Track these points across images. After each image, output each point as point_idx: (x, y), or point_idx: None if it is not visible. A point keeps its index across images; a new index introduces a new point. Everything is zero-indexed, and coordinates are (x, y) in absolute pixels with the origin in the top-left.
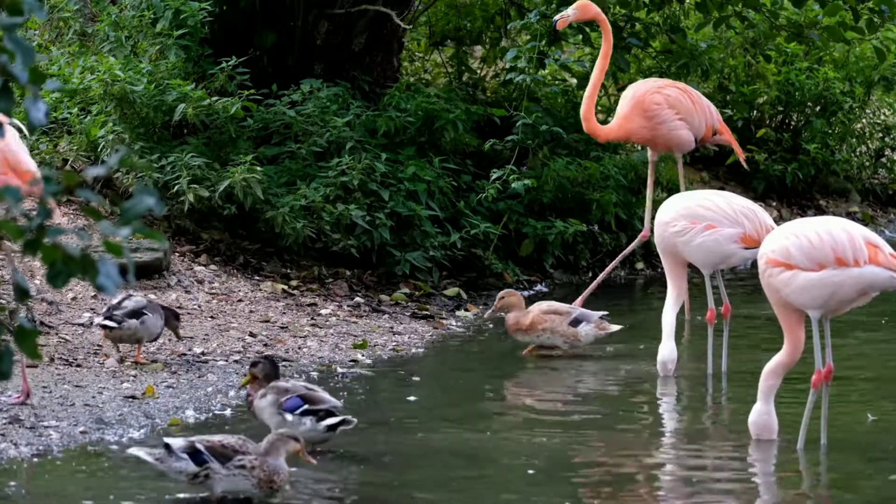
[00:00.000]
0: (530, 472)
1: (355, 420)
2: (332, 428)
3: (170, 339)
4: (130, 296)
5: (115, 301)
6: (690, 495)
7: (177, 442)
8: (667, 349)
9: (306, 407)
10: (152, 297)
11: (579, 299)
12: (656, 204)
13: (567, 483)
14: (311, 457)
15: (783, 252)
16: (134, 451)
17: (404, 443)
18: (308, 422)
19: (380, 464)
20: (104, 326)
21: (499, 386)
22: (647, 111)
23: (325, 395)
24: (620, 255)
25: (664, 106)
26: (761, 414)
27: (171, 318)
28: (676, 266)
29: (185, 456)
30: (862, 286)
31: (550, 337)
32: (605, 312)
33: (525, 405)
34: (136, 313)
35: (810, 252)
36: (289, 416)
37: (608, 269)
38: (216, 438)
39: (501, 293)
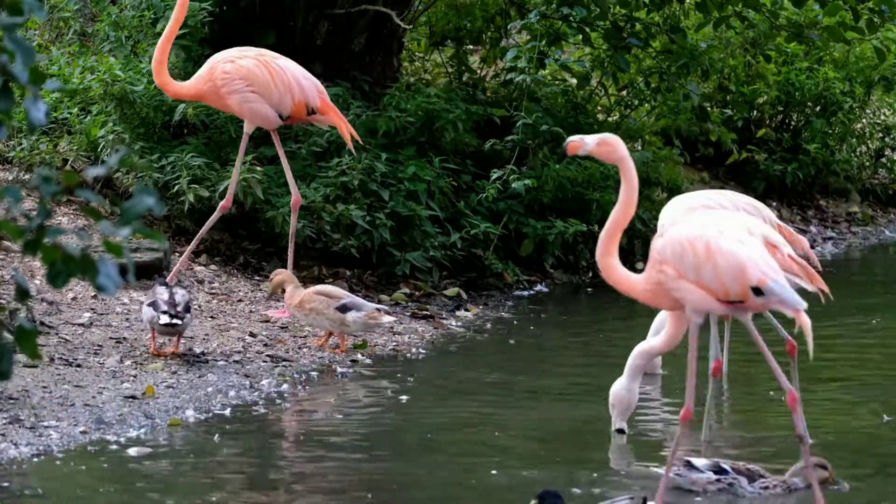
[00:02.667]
0: (530, 472)
1: None
2: None
3: (169, 340)
4: (174, 290)
5: (164, 297)
6: (690, 495)
7: (700, 461)
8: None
9: None
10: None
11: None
12: (659, 204)
13: (566, 483)
14: None
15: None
16: (653, 467)
17: (404, 443)
18: None
19: (380, 463)
20: (172, 325)
21: (499, 386)
22: (216, 79)
23: None
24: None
25: (233, 76)
26: (622, 388)
27: None
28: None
29: (707, 470)
30: None
31: (316, 318)
32: (384, 306)
33: (525, 405)
34: (188, 307)
35: None
36: None
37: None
38: (740, 463)
39: (273, 273)
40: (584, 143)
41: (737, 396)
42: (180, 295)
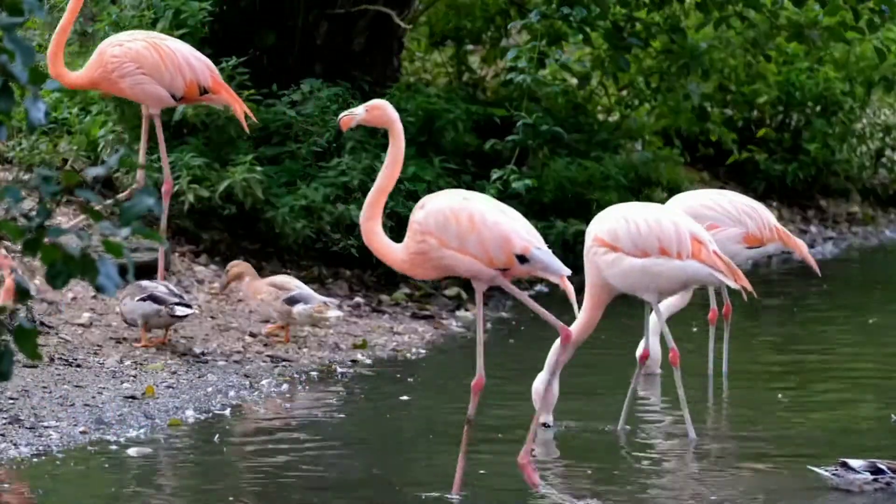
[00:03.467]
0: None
1: None
2: None
3: (170, 340)
4: (160, 283)
5: (164, 289)
6: (690, 494)
7: (856, 462)
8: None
9: None
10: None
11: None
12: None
13: (565, 483)
14: None
15: (612, 234)
16: (813, 468)
17: (405, 443)
18: None
19: (380, 463)
20: (184, 316)
21: (499, 386)
22: (107, 64)
23: None
24: None
25: (123, 60)
26: (542, 383)
27: None
28: None
29: (864, 472)
30: (682, 279)
31: (264, 307)
32: (334, 300)
33: (525, 405)
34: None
35: (637, 238)
36: None
37: None
38: None
39: (230, 265)
40: (353, 115)
41: (737, 397)
42: (172, 286)
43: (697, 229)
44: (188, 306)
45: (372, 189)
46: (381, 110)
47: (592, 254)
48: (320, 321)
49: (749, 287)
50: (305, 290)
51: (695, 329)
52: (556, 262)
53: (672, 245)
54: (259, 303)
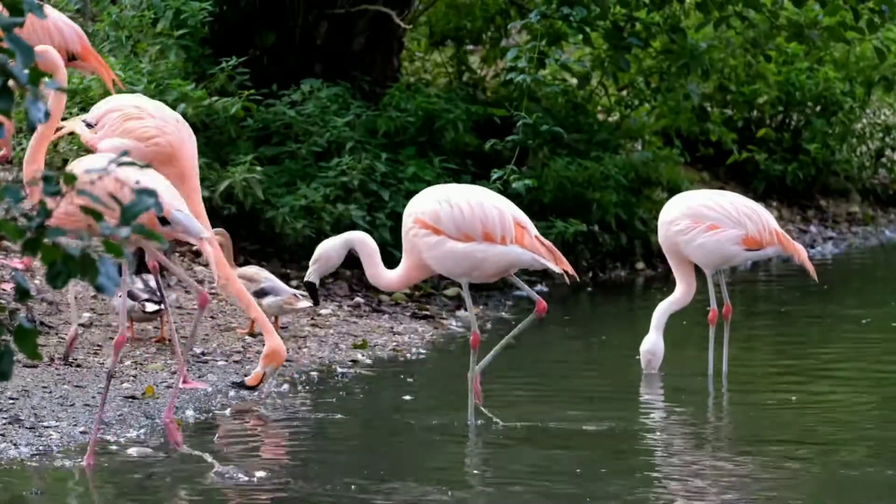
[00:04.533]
0: (529, 471)
1: None
2: None
3: (170, 340)
4: (146, 277)
5: (139, 285)
6: (690, 494)
7: None
8: (651, 340)
9: None
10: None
11: None
12: (659, 204)
13: (565, 483)
14: None
15: (433, 216)
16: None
17: (405, 443)
18: None
19: (380, 463)
20: (156, 312)
21: (499, 386)
22: None
23: None
24: None
25: None
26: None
27: None
28: (682, 264)
29: None
30: (504, 264)
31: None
32: (303, 292)
33: (526, 406)
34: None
35: (460, 222)
36: None
37: None
38: None
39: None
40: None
41: (737, 396)
42: (153, 281)
43: (520, 214)
44: (160, 302)
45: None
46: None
47: (412, 235)
48: (291, 313)
49: (571, 270)
50: (275, 282)
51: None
52: (196, 225)
53: (496, 230)
54: (230, 293)
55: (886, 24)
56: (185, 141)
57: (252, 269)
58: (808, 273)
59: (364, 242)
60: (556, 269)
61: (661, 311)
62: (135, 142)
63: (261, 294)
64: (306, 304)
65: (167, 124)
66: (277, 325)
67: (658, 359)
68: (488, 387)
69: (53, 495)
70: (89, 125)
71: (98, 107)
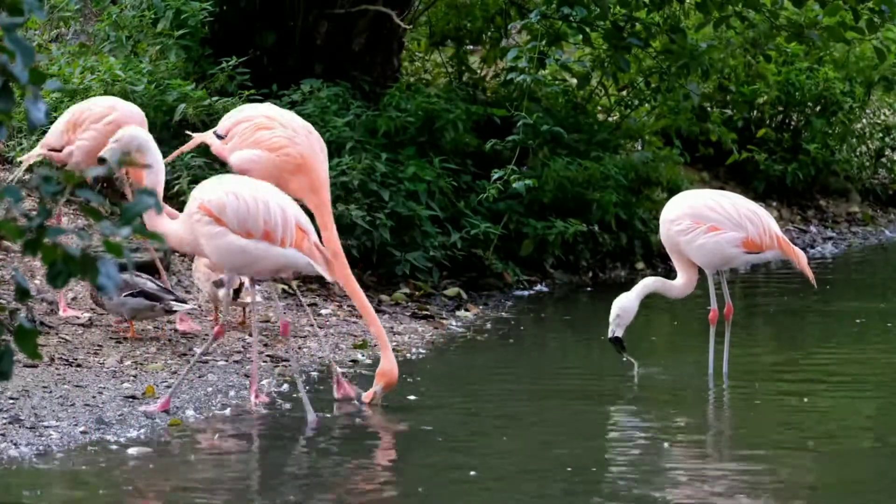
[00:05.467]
0: (531, 471)
1: None
2: None
3: (170, 340)
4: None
5: (152, 285)
6: (690, 494)
7: None
8: (628, 299)
9: None
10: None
11: None
12: (659, 204)
13: (565, 483)
14: None
15: (219, 207)
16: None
17: (405, 442)
18: None
19: (380, 463)
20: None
21: (499, 386)
22: None
23: None
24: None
25: None
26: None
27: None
28: (684, 261)
29: None
30: (279, 265)
31: (199, 281)
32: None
33: (526, 405)
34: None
35: (244, 217)
36: None
37: None
38: None
39: None
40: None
41: (737, 396)
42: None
43: (303, 218)
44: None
45: None
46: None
47: (195, 220)
48: (244, 305)
49: (334, 278)
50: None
51: (694, 328)
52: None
53: (277, 230)
54: (198, 278)
55: (886, 24)
56: (316, 152)
57: None
58: (807, 279)
59: (654, 282)
60: (330, 277)
61: (651, 281)
62: (265, 152)
63: (219, 284)
64: (258, 297)
65: (297, 134)
66: (244, 318)
67: (626, 319)
68: (487, 386)
69: (53, 495)
70: (219, 136)
71: (228, 117)
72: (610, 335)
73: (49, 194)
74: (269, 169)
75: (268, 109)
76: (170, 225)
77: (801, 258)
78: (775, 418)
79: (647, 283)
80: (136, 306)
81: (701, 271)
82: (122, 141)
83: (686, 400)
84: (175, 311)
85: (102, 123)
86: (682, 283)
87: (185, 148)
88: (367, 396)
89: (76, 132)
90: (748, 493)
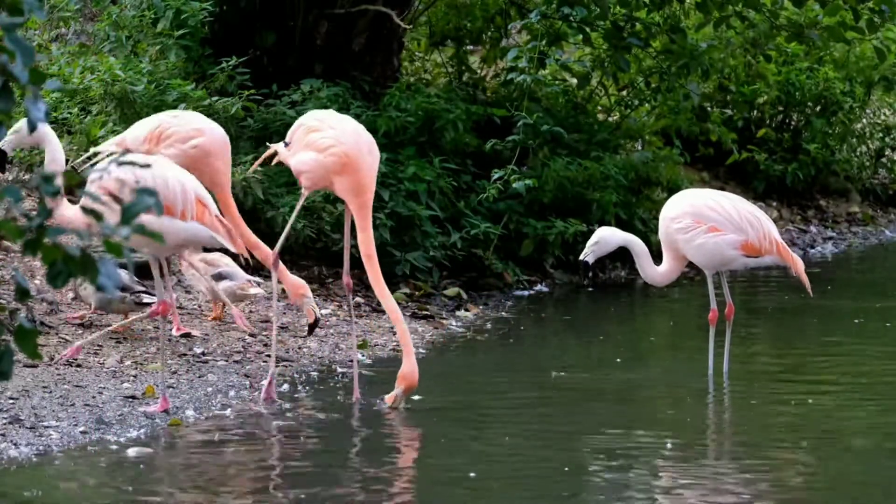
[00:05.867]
0: (531, 471)
1: None
2: None
3: (170, 340)
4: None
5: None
6: (690, 494)
7: None
8: (611, 231)
9: None
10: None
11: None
12: (659, 204)
13: (565, 483)
14: None
15: (116, 184)
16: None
17: (405, 442)
18: None
19: (380, 463)
20: (148, 304)
21: (499, 386)
22: None
23: None
24: None
25: None
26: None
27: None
28: (676, 260)
29: None
30: (182, 239)
31: (193, 279)
32: (258, 279)
33: (526, 405)
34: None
35: None
36: None
37: None
38: None
39: None
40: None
41: (736, 397)
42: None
43: (202, 191)
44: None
45: None
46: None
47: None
48: (243, 298)
49: (245, 253)
50: (234, 268)
51: (694, 328)
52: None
53: (177, 204)
54: (192, 274)
55: (886, 24)
56: (363, 154)
57: (214, 255)
58: (803, 287)
59: (641, 244)
60: (234, 248)
61: (641, 245)
62: (315, 153)
63: (218, 278)
64: (258, 290)
65: (345, 134)
66: (239, 314)
67: (602, 248)
68: (487, 386)
69: (53, 495)
70: (286, 144)
71: (293, 126)
72: (582, 257)
73: (49, 194)
74: (317, 169)
75: (321, 113)
76: (70, 209)
77: (798, 265)
78: (775, 418)
79: (637, 241)
80: (104, 296)
81: (700, 273)
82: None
83: (686, 400)
84: (147, 304)
85: (188, 146)
86: (662, 270)
87: (263, 158)
88: (388, 399)
89: (158, 144)
90: (748, 493)
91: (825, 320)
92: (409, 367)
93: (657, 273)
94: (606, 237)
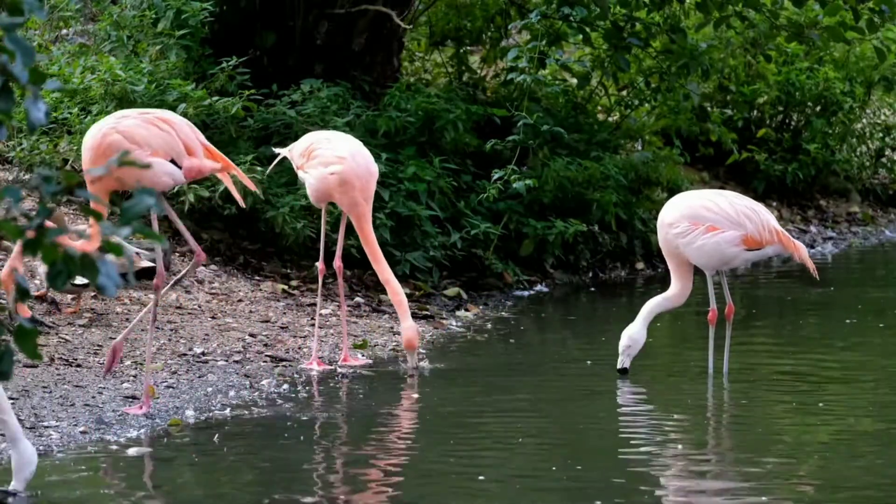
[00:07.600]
0: (531, 471)
1: None
2: None
3: (170, 340)
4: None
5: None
6: (689, 495)
7: None
8: (636, 329)
9: None
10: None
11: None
12: (659, 204)
13: (565, 483)
14: None
15: None
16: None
17: (405, 442)
18: None
19: (380, 463)
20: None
21: (500, 386)
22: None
23: None
24: None
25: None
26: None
27: None
28: (681, 266)
29: None
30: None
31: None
32: (145, 252)
33: (526, 405)
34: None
35: None
36: None
37: None
38: None
39: None
40: None
41: (736, 397)
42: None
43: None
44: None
45: None
46: None
47: None
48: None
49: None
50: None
51: (694, 328)
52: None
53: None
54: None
55: (886, 24)
56: (359, 174)
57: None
58: (808, 271)
59: (657, 306)
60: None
61: (653, 305)
62: (318, 169)
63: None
64: (147, 263)
65: (342, 154)
66: (77, 306)
67: (636, 349)
68: (487, 386)
69: (53, 495)
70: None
71: (304, 140)
72: (619, 366)
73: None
74: (319, 184)
75: (325, 132)
76: None
77: (801, 251)
78: (775, 418)
79: (651, 308)
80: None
81: (700, 273)
82: None
83: (686, 400)
84: (83, 285)
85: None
86: (676, 291)
87: (275, 163)
88: (408, 367)
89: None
90: (748, 493)
91: (825, 320)
92: (404, 327)
93: (674, 298)
94: (634, 336)
